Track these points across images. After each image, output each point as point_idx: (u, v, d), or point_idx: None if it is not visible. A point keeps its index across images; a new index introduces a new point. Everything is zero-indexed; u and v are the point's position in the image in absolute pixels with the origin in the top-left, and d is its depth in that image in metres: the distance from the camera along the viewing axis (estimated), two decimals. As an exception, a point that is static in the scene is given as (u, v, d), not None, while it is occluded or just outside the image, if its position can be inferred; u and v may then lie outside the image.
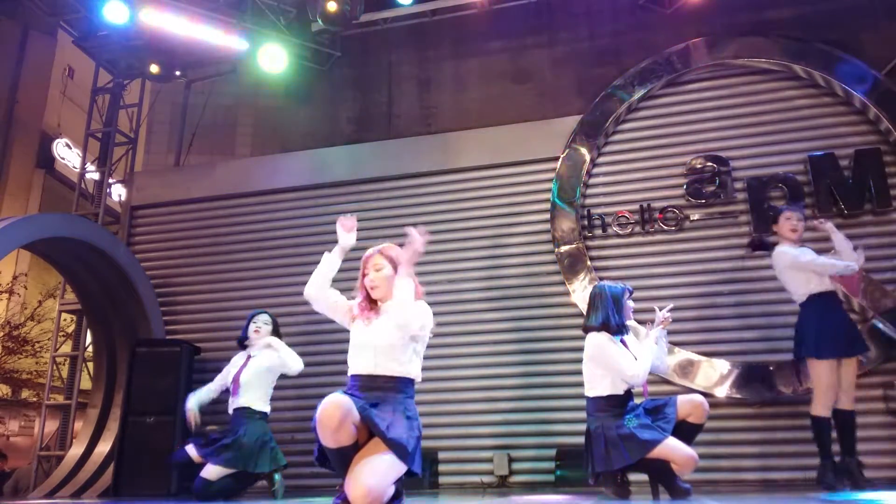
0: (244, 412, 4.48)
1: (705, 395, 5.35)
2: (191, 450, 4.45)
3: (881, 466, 4.89)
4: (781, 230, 4.36)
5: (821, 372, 4.01)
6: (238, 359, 4.71)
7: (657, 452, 3.49)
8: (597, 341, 3.76)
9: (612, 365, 3.68)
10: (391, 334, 2.80)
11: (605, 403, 3.69)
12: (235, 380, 4.56)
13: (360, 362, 2.83)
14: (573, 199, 6.10)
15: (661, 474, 3.60)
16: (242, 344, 4.78)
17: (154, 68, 7.49)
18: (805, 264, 4.16)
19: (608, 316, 3.82)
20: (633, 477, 3.77)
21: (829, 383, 3.99)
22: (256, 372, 4.56)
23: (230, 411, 4.56)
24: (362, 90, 7.29)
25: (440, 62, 7.17)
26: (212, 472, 4.34)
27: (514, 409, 5.78)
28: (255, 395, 4.52)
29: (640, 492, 3.85)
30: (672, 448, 3.50)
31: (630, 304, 3.92)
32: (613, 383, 3.69)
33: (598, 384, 3.73)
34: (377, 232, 6.58)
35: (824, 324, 4.07)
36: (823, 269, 4.15)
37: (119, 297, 6.50)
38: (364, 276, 2.94)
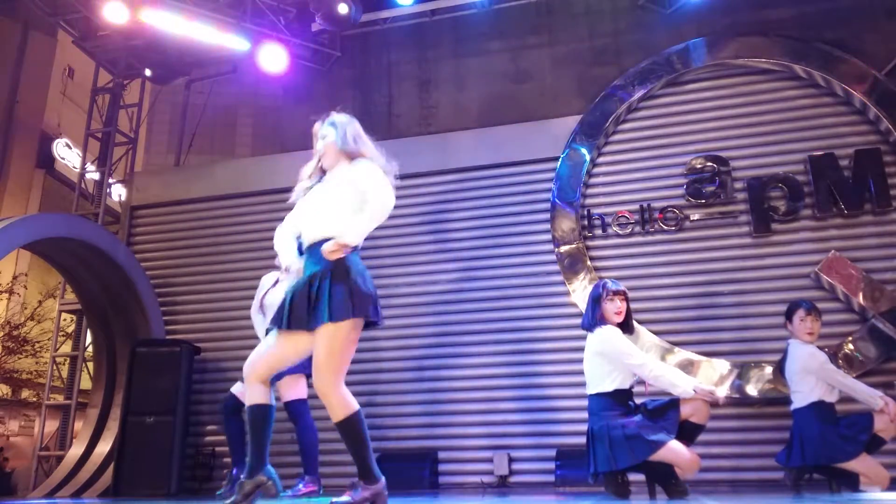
0: None
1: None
2: (238, 387, 4.48)
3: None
4: (797, 331, 4.17)
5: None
6: (266, 281, 4.72)
7: (661, 455, 3.49)
8: (604, 335, 3.75)
9: (619, 356, 3.67)
10: (331, 197, 2.80)
11: (610, 401, 3.68)
12: (260, 303, 4.57)
13: (303, 232, 2.87)
14: (573, 199, 6.10)
15: (661, 475, 3.60)
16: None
17: (153, 70, 7.49)
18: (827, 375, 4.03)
19: (584, 315, 3.95)
20: (631, 477, 3.77)
21: None
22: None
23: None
24: (362, 90, 7.29)
25: (440, 62, 7.17)
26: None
27: (514, 409, 5.78)
28: None
29: (638, 491, 3.86)
30: (676, 451, 3.50)
31: (612, 304, 3.81)
32: (621, 378, 3.70)
33: (604, 380, 3.72)
34: (377, 232, 6.59)
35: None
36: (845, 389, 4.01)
37: (119, 297, 6.50)
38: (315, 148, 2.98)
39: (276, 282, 4.64)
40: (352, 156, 2.88)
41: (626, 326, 3.88)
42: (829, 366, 4.04)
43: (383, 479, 2.67)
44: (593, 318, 3.84)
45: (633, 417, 3.62)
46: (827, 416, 4.01)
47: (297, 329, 2.66)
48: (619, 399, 3.69)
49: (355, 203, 2.77)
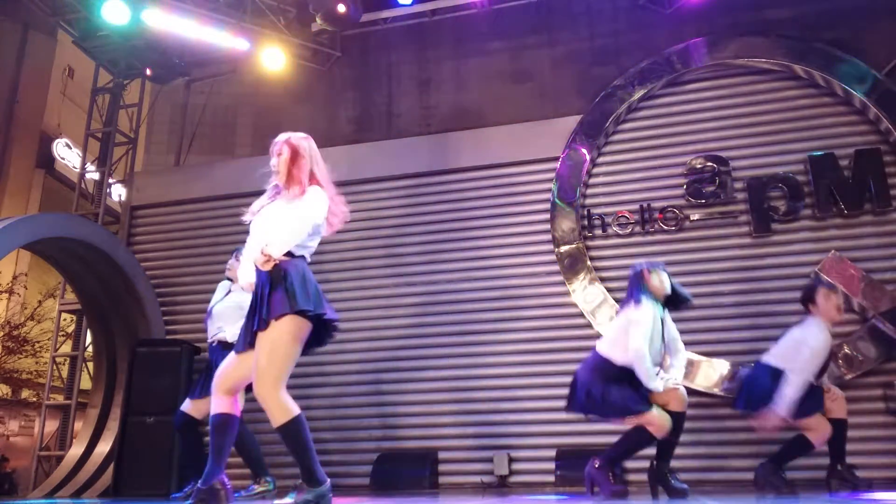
0: (220, 344, 4.49)
1: (704, 394, 5.39)
2: (186, 405, 4.55)
3: (881, 466, 4.89)
4: (824, 309, 4.12)
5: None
6: (220, 290, 4.76)
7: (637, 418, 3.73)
8: (642, 311, 3.90)
9: (631, 327, 3.85)
10: (278, 219, 2.85)
11: (612, 365, 3.90)
12: (209, 310, 4.64)
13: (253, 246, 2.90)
14: (573, 199, 6.10)
15: (658, 476, 3.65)
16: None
17: (153, 70, 7.49)
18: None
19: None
20: (632, 477, 3.79)
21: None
22: (231, 306, 4.55)
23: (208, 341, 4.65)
24: (362, 90, 7.29)
25: (440, 62, 7.17)
26: (193, 406, 4.46)
27: (514, 409, 5.78)
28: (226, 327, 4.52)
29: (639, 491, 3.86)
30: (650, 418, 3.72)
31: (655, 276, 4.03)
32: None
33: (621, 350, 3.88)
34: (377, 232, 6.60)
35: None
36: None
37: (119, 297, 6.50)
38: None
39: (229, 291, 4.69)
40: (304, 177, 2.92)
41: (675, 298, 4.09)
42: (813, 358, 4.00)
43: (328, 481, 2.68)
44: (638, 291, 3.99)
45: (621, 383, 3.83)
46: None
47: (251, 347, 2.74)
48: (621, 368, 3.86)
49: None
